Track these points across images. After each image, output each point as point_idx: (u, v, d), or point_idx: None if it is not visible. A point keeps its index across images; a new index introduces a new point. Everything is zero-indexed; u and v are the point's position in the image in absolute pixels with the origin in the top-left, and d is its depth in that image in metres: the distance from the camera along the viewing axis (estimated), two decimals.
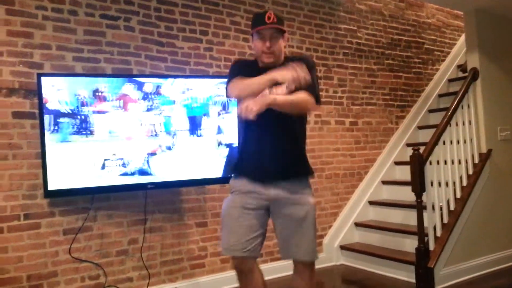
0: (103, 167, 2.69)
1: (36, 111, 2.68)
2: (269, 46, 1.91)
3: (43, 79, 2.59)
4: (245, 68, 2.00)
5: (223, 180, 3.14)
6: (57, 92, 2.59)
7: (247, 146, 2.01)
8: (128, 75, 2.97)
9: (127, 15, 3.08)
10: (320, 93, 2.69)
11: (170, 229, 3.16)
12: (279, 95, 1.79)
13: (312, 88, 1.89)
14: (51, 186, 2.58)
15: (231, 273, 3.36)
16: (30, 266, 2.67)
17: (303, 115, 2.05)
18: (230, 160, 2.97)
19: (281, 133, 1.95)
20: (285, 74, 1.80)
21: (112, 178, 2.71)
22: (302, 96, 1.84)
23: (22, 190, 2.67)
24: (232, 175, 2.08)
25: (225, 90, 2.05)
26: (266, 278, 2.10)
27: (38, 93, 2.59)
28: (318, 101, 1.94)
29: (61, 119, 2.60)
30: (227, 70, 3.39)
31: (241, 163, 2.05)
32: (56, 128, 2.58)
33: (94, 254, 2.87)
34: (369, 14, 4.44)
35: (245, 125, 2.00)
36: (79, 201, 2.82)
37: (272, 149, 1.93)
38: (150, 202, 3.05)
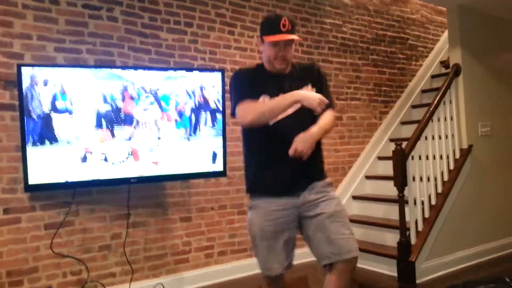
0: (84, 160, 2.63)
1: (16, 102, 2.60)
2: (284, 55, 1.84)
3: (23, 69, 2.51)
4: (252, 82, 1.88)
5: (208, 174, 3.13)
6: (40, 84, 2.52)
7: (265, 161, 1.88)
8: (111, 66, 2.91)
9: (110, 5, 3.01)
10: None
11: (153, 223, 3.13)
12: (317, 128, 1.79)
13: (329, 98, 1.89)
14: (32, 180, 2.52)
15: (215, 268, 3.38)
16: (10, 261, 2.61)
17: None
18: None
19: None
20: (310, 97, 1.74)
21: (94, 172, 2.66)
22: (330, 118, 1.87)
23: (1, 184, 2.61)
24: (250, 194, 1.96)
25: (231, 109, 1.90)
26: None
27: (18, 84, 2.51)
28: (333, 106, 1.95)
29: None
30: (212, 63, 3.44)
31: (261, 181, 1.90)
32: None
33: (76, 249, 2.83)
34: (354, 9, 4.45)
35: (257, 141, 1.90)
36: (60, 195, 2.77)
37: (294, 161, 1.79)
38: (134, 196, 3.01)
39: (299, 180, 1.85)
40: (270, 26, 1.84)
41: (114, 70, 2.78)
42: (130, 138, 2.76)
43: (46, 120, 2.54)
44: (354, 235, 1.88)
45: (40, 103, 2.52)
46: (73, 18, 2.87)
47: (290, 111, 1.82)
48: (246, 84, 1.88)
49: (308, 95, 1.77)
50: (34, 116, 2.51)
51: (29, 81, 2.50)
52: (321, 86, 1.93)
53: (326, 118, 1.86)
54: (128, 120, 2.76)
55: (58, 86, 2.57)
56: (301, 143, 1.73)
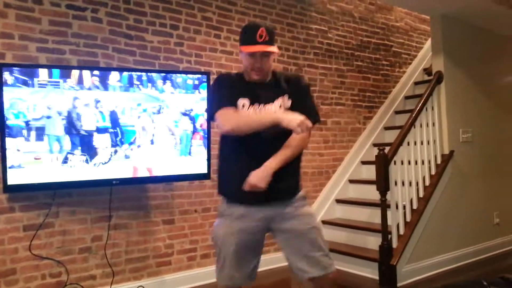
0: (65, 161, 2.61)
1: None
2: (260, 66, 1.81)
3: (4, 69, 2.48)
4: (231, 87, 1.85)
5: (191, 177, 3.12)
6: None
7: (236, 169, 1.83)
8: (94, 68, 2.89)
9: (95, 6, 3.00)
10: None
11: (135, 226, 3.10)
12: (275, 163, 1.74)
13: (312, 110, 1.87)
14: (10, 181, 2.48)
15: (198, 271, 3.36)
16: None
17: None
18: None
19: (273, 153, 1.79)
20: (290, 119, 1.67)
21: (75, 173, 2.64)
22: (297, 142, 1.79)
23: None
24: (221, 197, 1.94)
25: (209, 112, 1.89)
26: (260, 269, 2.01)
27: None
28: (318, 119, 1.92)
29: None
30: (198, 66, 3.44)
31: (230, 187, 1.88)
32: None
33: (55, 251, 2.79)
34: (340, 15, 4.51)
35: (231, 146, 1.87)
36: (40, 196, 2.73)
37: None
38: (115, 198, 2.98)
39: (269, 191, 1.76)
40: (247, 36, 1.80)
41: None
42: (112, 139, 2.74)
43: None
44: (326, 251, 1.85)
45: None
46: (57, 18, 2.85)
47: None
48: (225, 88, 1.84)
49: (288, 116, 1.68)
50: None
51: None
52: (301, 99, 1.88)
53: (293, 142, 1.79)
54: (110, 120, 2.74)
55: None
56: (254, 178, 1.72)
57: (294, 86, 1.90)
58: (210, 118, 1.89)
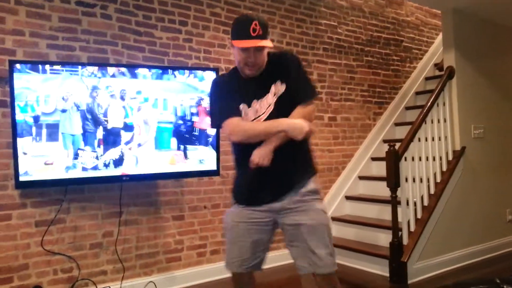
0: (76, 157, 2.62)
1: (8, 99, 2.59)
2: (253, 61, 1.74)
3: (15, 66, 2.50)
4: (229, 91, 1.84)
5: (201, 173, 3.12)
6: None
7: (243, 174, 1.87)
8: (104, 64, 2.90)
9: (104, 3, 3.01)
10: None
11: (146, 222, 3.12)
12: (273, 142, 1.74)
13: (307, 89, 1.84)
14: (22, 177, 2.51)
15: (207, 267, 3.37)
16: (0, 258, 2.60)
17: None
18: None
19: (281, 146, 1.77)
20: (296, 128, 1.70)
21: (86, 169, 2.65)
22: (299, 118, 1.76)
23: None
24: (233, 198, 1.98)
25: (215, 121, 1.90)
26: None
27: (10, 80, 2.49)
28: (315, 93, 1.88)
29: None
30: (207, 62, 3.44)
31: (241, 189, 1.92)
32: None
33: (67, 246, 2.81)
34: (349, 10, 4.46)
35: (238, 151, 1.90)
36: (52, 192, 2.75)
37: (273, 167, 1.75)
38: (126, 194, 3.00)
39: (278, 186, 1.80)
40: (239, 29, 1.73)
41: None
42: (122, 136, 2.75)
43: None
44: (331, 249, 1.80)
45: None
46: (67, 15, 2.86)
47: (264, 115, 1.80)
48: (226, 95, 1.83)
49: (295, 125, 1.71)
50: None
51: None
52: (293, 76, 1.81)
53: (300, 113, 1.77)
54: (120, 117, 2.75)
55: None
56: (257, 156, 1.72)
57: (283, 67, 1.82)
58: (216, 126, 1.92)
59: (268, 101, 1.80)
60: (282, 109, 1.78)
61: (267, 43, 1.74)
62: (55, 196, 2.76)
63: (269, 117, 1.79)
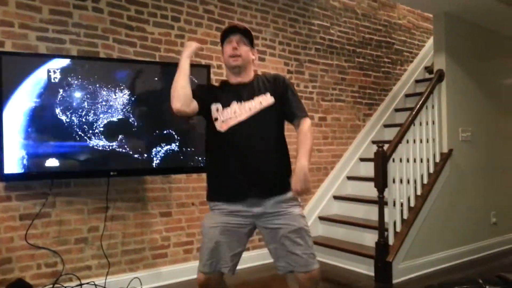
0: (64, 151, 2.60)
1: None
2: (236, 47, 1.89)
3: (3, 57, 2.47)
4: (208, 89, 2.04)
5: (189, 170, 3.12)
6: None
7: (223, 167, 1.90)
8: (94, 58, 2.88)
9: None
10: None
11: (132, 218, 3.10)
12: (305, 160, 1.80)
13: (299, 105, 1.94)
14: (7, 170, 2.48)
15: (194, 264, 3.35)
16: None
17: (281, 124, 1.97)
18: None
19: (258, 148, 1.86)
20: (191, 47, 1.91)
21: (73, 163, 2.63)
22: (309, 136, 1.88)
23: None
24: (208, 201, 1.99)
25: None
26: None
27: None
28: (306, 114, 1.96)
29: None
30: (198, 59, 3.43)
31: (217, 187, 1.94)
32: None
33: (51, 241, 2.79)
34: (342, 11, 4.49)
35: (217, 144, 1.92)
36: (37, 186, 2.73)
37: (252, 168, 1.84)
38: (113, 190, 2.98)
39: (256, 188, 1.85)
40: (226, 31, 1.96)
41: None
42: (110, 129, 2.73)
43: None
44: (310, 250, 1.86)
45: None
46: (57, 8, 2.84)
47: (243, 117, 1.86)
48: (197, 88, 1.96)
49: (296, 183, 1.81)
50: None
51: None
52: (284, 95, 1.93)
53: (307, 139, 1.87)
54: (109, 109, 2.73)
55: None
56: (297, 184, 1.77)
57: (277, 84, 1.96)
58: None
59: (251, 105, 1.88)
60: (264, 118, 1.88)
61: (249, 40, 1.94)
62: (41, 190, 2.74)
63: (248, 121, 1.86)
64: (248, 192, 1.85)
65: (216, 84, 2.09)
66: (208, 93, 1.96)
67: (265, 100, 1.90)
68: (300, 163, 1.78)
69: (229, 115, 1.87)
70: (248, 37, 1.95)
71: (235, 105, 1.88)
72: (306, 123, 1.91)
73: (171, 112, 1.87)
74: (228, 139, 1.87)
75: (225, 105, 1.89)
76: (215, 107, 1.90)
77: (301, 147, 1.84)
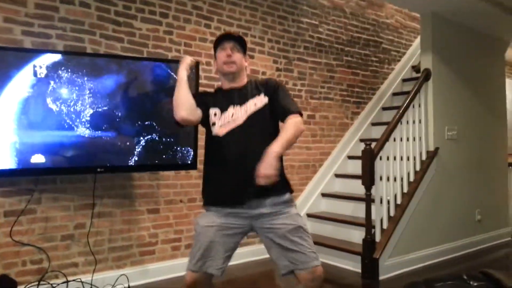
0: (51, 147, 2.57)
1: None
2: (230, 54, 1.91)
3: None
4: (205, 94, 2.06)
5: (177, 166, 3.10)
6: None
7: (221, 171, 1.89)
8: (81, 53, 2.85)
9: None
10: None
11: (120, 214, 3.08)
12: (278, 146, 1.73)
13: (291, 104, 1.91)
14: None
15: (182, 261, 3.34)
16: None
17: (276, 125, 1.95)
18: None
19: (256, 150, 1.79)
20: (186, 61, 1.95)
21: (59, 159, 2.60)
22: (293, 129, 1.81)
23: None
24: (205, 202, 1.97)
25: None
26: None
27: None
28: (299, 110, 1.92)
29: None
30: (187, 55, 3.38)
31: (216, 192, 1.92)
32: None
33: (37, 237, 2.75)
34: (331, 10, 4.51)
35: (215, 149, 1.91)
36: (22, 182, 2.69)
37: (250, 169, 1.76)
38: (100, 186, 2.95)
39: (252, 191, 1.80)
40: (220, 38, 1.99)
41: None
42: (98, 125, 2.71)
43: None
44: (310, 248, 1.86)
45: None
46: (43, 2, 2.80)
47: (240, 121, 1.87)
48: (196, 96, 1.97)
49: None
50: None
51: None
52: (276, 94, 1.92)
53: (289, 129, 1.81)
54: (98, 105, 2.70)
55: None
56: (261, 168, 1.69)
57: (270, 85, 1.96)
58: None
59: (246, 108, 1.90)
60: (259, 119, 1.89)
61: (241, 46, 1.96)
62: (26, 186, 2.70)
63: (244, 124, 1.87)
64: (247, 195, 1.83)
65: (211, 90, 2.12)
66: (205, 99, 1.97)
67: (260, 101, 1.91)
68: (271, 148, 1.72)
69: (227, 119, 1.89)
70: (241, 44, 1.97)
71: (231, 109, 1.90)
72: (293, 117, 1.87)
73: (175, 123, 1.90)
74: (226, 143, 1.87)
75: (223, 109, 1.91)
76: (213, 112, 1.92)
77: (279, 136, 1.80)
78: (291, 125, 1.83)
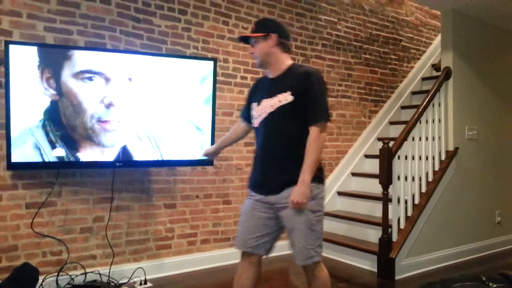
0: (72, 141, 2.62)
1: (3, 79, 2.58)
2: (251, 52, 2.07)
3: (11, 47, 2.48)
4: (254, 88, 2.18)
5: (194, 162, 3.13)
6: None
7: (255, 159, 2.09)
8: (101, 49, 2.90)
9: None
10: None
11: (137, 209, 3.12)
12: (306, 175, 1.85)
13: (320, 109, 1.90)
14: (14, 158, 2.50)
15: (197, 256, 3.38)
16: None
17: (300, 126, 1.93)
18: None
19: (275, 145, 1.96)
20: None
21: (79, 153, 2.65)
22: (315, 147, 1.88)
23: None
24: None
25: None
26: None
27: (5, 61, 2.48)
28: (327, 115, 1.93)
29: None
30: (205, 53, 3.43)
31: (250, 176, 2.12)
32: None
33: (57, 229, 2.81)
34: (350, 7, 4.47)
35: (255, 138, 2.09)
36: (44, 175, 2.75)
37: (262, 166, 2.01)
38: (118, 180, 3.00)
39: (268, 180, 1.97)
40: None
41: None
42: (118, 121, 2.75)
43: None
44: (310, 246, 1.91)
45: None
46: None
47: (265, 114, 1.97)
48: (248, 94, 2.21)
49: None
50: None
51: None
52: (305, 96, 1.89)
53: (310, 152, 1.87)
54: (116, 103, 2.74)
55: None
56: (295, 196, 1.84)
57: (298, 82, 1.92)
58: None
59: (272, 103, 1.95)
60: (280, 116, 1.92)
61: (252, 35, 2.03)
62: (47, 179, 2.76)
63: (268, 117, 1.96)
64: (266, 186, 1.98)
65: (261, 77, 2.23)
66: (249, 96, 2.16)
67: (284, 98, 1.91)
68: (302, 177, 1.85)
69: (260, 112, 2.00)
70: (256, 33, 2.02)
71: (263, 102, 1.99)
72: (314, 131, 1.88)
73: None
74: (258, 134, 2.04)
75: (258, 103, 2.02)
76: (253, 106, 2.07)
77: (305, 159, 1.88)
78: (311, 145, 1.89)
